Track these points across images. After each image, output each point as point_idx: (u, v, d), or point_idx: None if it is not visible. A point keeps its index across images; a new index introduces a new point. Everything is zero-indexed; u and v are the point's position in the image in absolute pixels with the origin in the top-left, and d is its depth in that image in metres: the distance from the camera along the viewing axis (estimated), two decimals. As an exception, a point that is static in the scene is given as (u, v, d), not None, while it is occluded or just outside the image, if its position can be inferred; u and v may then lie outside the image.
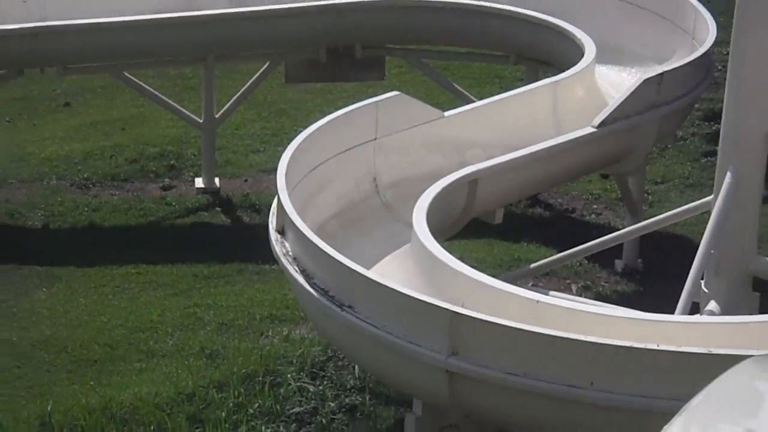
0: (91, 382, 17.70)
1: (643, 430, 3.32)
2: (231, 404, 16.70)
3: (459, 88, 22.78)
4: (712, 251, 16.39)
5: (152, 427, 16.31)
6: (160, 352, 18.69)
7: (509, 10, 22.48)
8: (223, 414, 16.53)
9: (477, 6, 22.75)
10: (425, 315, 14.22)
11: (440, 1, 23.02)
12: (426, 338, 14.15)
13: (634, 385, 12.98)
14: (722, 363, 3.76)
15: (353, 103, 17.82)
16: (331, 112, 17.56)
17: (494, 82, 21.86)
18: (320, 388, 17.14)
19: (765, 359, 4.24)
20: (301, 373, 17.25)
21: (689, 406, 3.85)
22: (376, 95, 18.13)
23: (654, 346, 13.33)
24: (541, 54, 21.92)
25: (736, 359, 3.92)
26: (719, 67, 19.50)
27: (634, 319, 14.80)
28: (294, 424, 16.57)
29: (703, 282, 16.39)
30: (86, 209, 23.18)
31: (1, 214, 22.95)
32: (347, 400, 17.06)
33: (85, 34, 22.91)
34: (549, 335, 13.72)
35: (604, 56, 20.70)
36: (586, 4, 22.24)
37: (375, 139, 17.65)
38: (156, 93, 23.85)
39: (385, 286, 14.69)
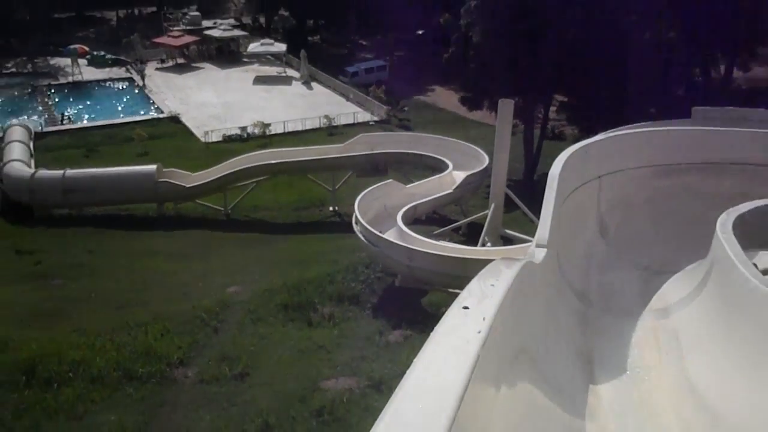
0: (278, 272, 16.82)
1: (463, 285, 3.02)
2: (340, 278, 16.17)
3: (411, 178, 22.32)
4: (489, 227, 16.10)
5: (305, 289, 15.40)
6: (311, 261, 17.88)
7: (425, 155, 21.85)
8: (339, 279, 16.03)
9: (416, 153, 22.20)
10: (400, 249, 14.01)
11: (405, 153, 22.44)
12: (401, 256, 13.95)
13: (464, 270, 12.46)
14: (489, 261, 3.49)
15: (376, 184, 17.46)
16: (370, 187, 17.20)
17: (423, 175, 21.36)
18: (368, 270, 16.59)
19: (502, 260, 4.05)
20: (363, 267, 16.70)
21: (479, 274, 3.69)
22: (385, 181, 17.87)
23: (471, 257, 13.03)
24: (435, 166, 21.30)
25: (493, 260, 3.65)
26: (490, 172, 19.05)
27: (465, 248, 14.47)
28: (361, 284, 16.11)
29: (486, 237, 16.06)
30: (292, 218, 22.47)
31: (268, 219, 22.38)
32: (377, 275, 16.44)
33: (298, 164, 22.51)
34: (439, 254, 13.43)
35: (456, 168, 20.24)
36: (451, 154, 21.41)
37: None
38: (316, 180, 23.30)
39: (387, 239, 14.49)
